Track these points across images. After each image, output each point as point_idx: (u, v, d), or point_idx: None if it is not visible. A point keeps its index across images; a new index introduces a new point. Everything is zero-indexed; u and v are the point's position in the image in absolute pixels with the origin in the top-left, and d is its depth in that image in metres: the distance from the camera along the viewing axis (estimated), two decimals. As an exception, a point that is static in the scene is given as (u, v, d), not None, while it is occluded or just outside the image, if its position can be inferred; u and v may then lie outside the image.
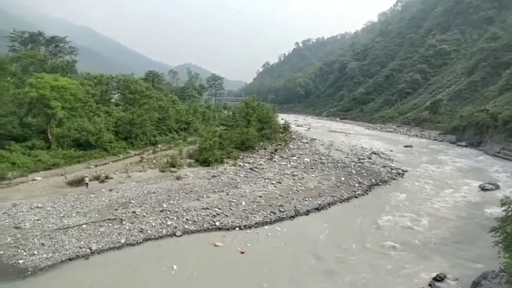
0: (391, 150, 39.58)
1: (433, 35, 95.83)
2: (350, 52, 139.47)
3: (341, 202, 20.66)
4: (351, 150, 38.52)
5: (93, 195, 19.56)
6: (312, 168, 28.52)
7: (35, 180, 22.88)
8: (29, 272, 11.88)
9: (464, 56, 79.79)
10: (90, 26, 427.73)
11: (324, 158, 33.37)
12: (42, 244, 13.63)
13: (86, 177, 22.07)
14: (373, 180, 25.43)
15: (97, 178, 22.75)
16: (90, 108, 36.01)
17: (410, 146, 44.14)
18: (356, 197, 21.74)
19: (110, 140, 32.62)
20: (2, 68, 31.02)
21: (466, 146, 44.06)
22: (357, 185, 24.05)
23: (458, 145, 45.25)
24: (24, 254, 12.90)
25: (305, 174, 26.33)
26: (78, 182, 21.60)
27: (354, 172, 27.50)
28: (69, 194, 19.67)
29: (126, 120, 35.87)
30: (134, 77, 51.56)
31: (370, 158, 33.99)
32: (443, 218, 18.36)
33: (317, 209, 19.14)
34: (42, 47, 57.14)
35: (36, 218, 16.00)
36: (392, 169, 29.49)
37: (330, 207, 19.76)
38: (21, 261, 12.42)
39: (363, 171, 28.12)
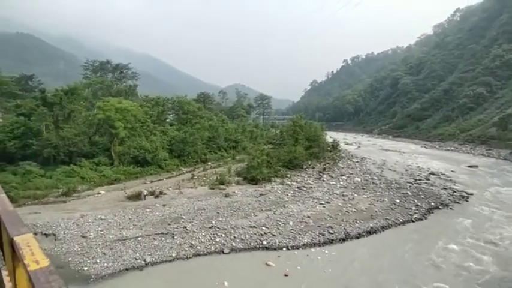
0: (452, 171, 36.17)
1: (499, 44, 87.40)
2: (403, 67, 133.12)
3: (396, 226, 19.23)
4: (406, 170, 36.06)
5: (148, 210, 20.80)
6: (363, 189, 27.20)
7: (100, 193, 25.11)
8: (92, 279, 12.87)
9: (539, 66, 71.40)
10: (150, 53, 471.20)
11: (376, 178, 31.69)
12: (104, 253, 14.74)
13: (143, 192, 23.65)
14: (432, 204, 23.35)
15: (152, 193, 24.22)
16: (148, 128, 38.96)
17: (476, 166, 39.89)
18: (413, 221, 20.08)
19: (165, 157, 34.74)
20: (77, 94, 35.29)
21: (545, 167, 38.60)
22: (413, 208, 22.27)
23: (535, 166, 39.85)
24: (88, 261, 14.05)
25: (355, 195, 25.17)
26: (136, 197, 23.21)
27: (410, 194, 25.58)
28: (127, 208, 21.17)
29: (179, 139, 38.05)
30: (187, 98, 54.86)
31: (428, 179, 31.41)
32: (519, 252, 16.04)
33: (369, 233, 18.04)
34: (109, 74, 64.13)
35: (99, 228, 17.44)
36: (454, 191, 26.84)
37: (383, 231, 18.49)
38: (85, 268, 13.53)
39: (420, 193, 26.04)
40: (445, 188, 27.78)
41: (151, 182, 29.31)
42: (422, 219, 20.50)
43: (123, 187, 26.55)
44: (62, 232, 16.96)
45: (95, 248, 15.17)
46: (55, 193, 24.47)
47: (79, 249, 15.12)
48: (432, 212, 21.87)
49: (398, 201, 23.59)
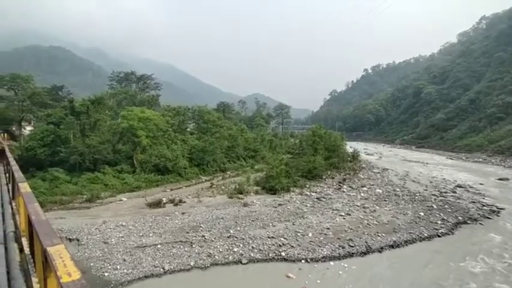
0: (481, 184, 34.46)
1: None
2: (426, 76, 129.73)
3: (420, 241, 18.43)
4: (431, 182, 34.73)
5: (168, 217, 21.07)
6: (385, 201, 26.39)
7: (121, 200, 25.75)
8: (112, 285, 13.07)
9: None
10: (172, 64, 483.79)
11: (398, 189, 30.70)
12: (124, 260, 14.99)
13: (163, 200, 24.04)
14: (459, 218, 22.25)
15: (172, 201, 24.56)
16: (169, 136, 39.81)
17: (507, 179, 37.83)
18: (439, 236, 19.17)
19: (185, 166, 35.28)
20: (103, 103, 36.73)
21: None
22: (439, 222, 21.30)
23: None
24: (109, 267, 14.32)
25: (377, 207, 24.43)
26: (156, 204, 23.62)
27: (435, 207, 24.53)
28: (148, 215, 21.54)
29: (199, 148, 38.60)
30: (207, 107, 55.79)
31: (454, 192, 30.07)
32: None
33: (392, 247, 17.38)
34: (133, 84, 66.39)
35: (120, 235, 17.81)
36: (483, 205, 25.49)
37: (407, 245, 17.76)
38: (106, 274, 13.79)
39: (446, 206, 24.92)
40: (473, 202, 26.46)
41: (171, 190, 29.77)
42: (448, 234, 19.55)
43: (144, 194, 27.11)
44: (85, 237, 17.45)
45: (115, 254, 15.47)
46: (80, 199, 25.33)
47: (101, 254, 15.47)
48: (460, 227, 20.82)
49: (422, 214, 22.68)
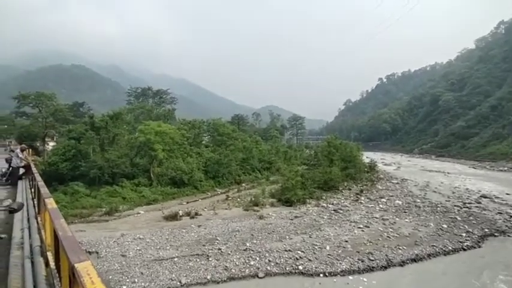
0: (507, 194, 32.93)
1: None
2: (443, 83, 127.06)
3: (445, 254, 17.65)
4: (453, 193, 33.49)
5: (184, 230, 21.13)
6: (405, 212, 25.59)
7: (139, 213, 26.08)
8: (130, 299, 13.14)
9: None
10: (187, 78, 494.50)
11: (418, 200, 29.75)
12: (142, 273, 15.05)
13: (179, 212, 24.20)
14: (485, 230, 21.24)
15: (188, 214, 24.68)
16: (185, 149, 40.35)
17: (536, 189, 36.07)
18: (464, 249, 18.31)
19: (200, 178, 35.55)
20: (121, 118, 37.80)
21: None
22: (464, 234, 20.40)
23: None
24: (127, 280, 14.40)
25: (397, 219, 23.70)
26: (173, 217, 23.78)
27: (459, 218, 23.56)
28: (164, 228, 21.69)
29: (214, 160, 38.88)
30: (222, 120, 56.41)
31: (479, 203, 28.84)
32: None
33: (414, 260, 16.72)
34: (150, 99, 68.20)
35: (138, 248, 17.97)
36: (511, 216, 24.31)
37: (430, 259, 17.04)
38: (124, 287, 13.87)
39: (470, 217, 23.89)
40: (500, 213, 25.26)
41: (187, 202, 29.95)
42: (475, 247, 18.65)
43: (161, 207, 27.38)
44: (104, 250, 17.70)
45: (133, 267, 15.58)
46: (99, 212, 25.84)
47: (119, 267, 15.61)
48: (486, 239, 19.86)
49: (445, 226, 21.81)
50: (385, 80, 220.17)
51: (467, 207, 27.10)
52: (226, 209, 27.13)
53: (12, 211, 3.65)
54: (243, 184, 38.82)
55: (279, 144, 69.21)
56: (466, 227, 21.67)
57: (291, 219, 23.70)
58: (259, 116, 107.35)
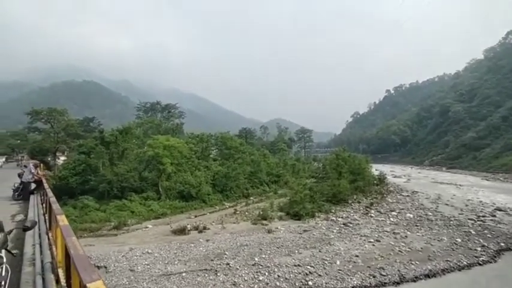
0: (523, 206, 32.01)
1: None
2: (452, 94, 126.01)
3: (459, 269, 17.11)
4: (466, 206, 32.69)
5: (192, 245, 20.99)
6: (416, 226, 25.01)
7: (147, 227, 26.06)
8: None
9: None
10: (195, 92, 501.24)
11: (430, 213, 29.10)
12: (150, 289, 14.94)
13: (188, 226, 24.11)
14: (502, 244, 20.59)
15: (196, 228, 24.56)
16: (193, 163, 40.50)
17: (553, 201, 34.96)
18: (480, 264, 17.73)
19: (208, 192, 35.50)
20: (130, 133, 38.33)
21: None
22: (479, 248, 19.79)
23: None
24: (135, 296, 14.30)
25: (408, 233, 23.17)
26: (181, 231, 23.68)
27: (474, 232, 22.90)
28: (173, 242, 21.59)
29: (222, 174, 38.88)
30: (230, 134, 56.61)
31: (494, 216, 28.06)
32: None
33: (427, 276, 16.22)
34: (158, 113, 69.10)
35: (146, 262, 17.88)
36: (528, 230, 23.53)
37: (444, 274, 16.52)
38: (132, 303, 13.76)
39: (485, 231, 23.21)
40: (515, 226, 24.50)
41: (195, 216, 29.85)
42: (491, 262, 18.05)
43: (169, 221, 27.33)
44: (113, 265, 17.65)
45: (141, 282, 15.47)
46: (108, 226, 25.91)
47: (127, 282, 15.52)
48: (503, 254, 19.22)
49: (459, 240, 21.21)
50: (392, 91, 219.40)
51: (481, 220, 26.38)
52: (234, 223, 26.93)
53: (25, 229, 3.72)
54: (251, 198, 38.59)
55: (287, 157, 68.97)
56: (481, 241, 21.04)
57: (300, 233, 23.37)
58: (267, 129, 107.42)
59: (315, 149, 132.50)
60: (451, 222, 25.91)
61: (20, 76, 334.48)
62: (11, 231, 3.70)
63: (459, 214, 28.82)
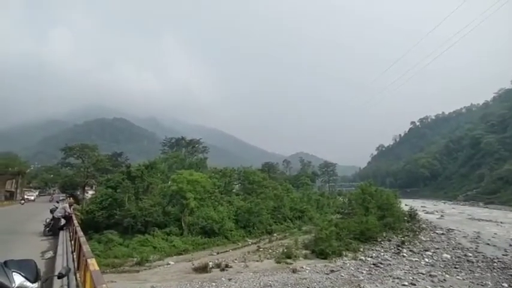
0: None
1: None
2: (482, 125, 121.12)
3: (510, 320, 15.27)
4: (510, 246, 29.89)
5: (214, 284, 20.24)
6: (455, 268, 22.98)
7: (169, 264, 25.60)
8: None
9: None
10: (218, 128, 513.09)
11: (470, 254, 26.76)
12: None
13: (209, 264, 23.47)
14: (556, 291, 18.36)
15: (218, 266, 23.82)
16: (216, 198, 40.35)
17: None
18: (533, 314, 15.77)
19: (231, 228, 34.84)
20: (156, 168, 39.24)
21: None
22: (530, 295, 17.72)
23: None
24: None
25: (447, 275, 21.26)
26: (202, 269, 23.02)
27: (522, 276, 20.67)
28: (194, 280, 20.93)
29: (245, 209, 38.31)
30: (252, 168, 56.53)
31: (543, 257, 25.37)
32: None
33: (473, 327, 14.55)
34: (183, 148, 70.89)
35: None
36: None
37: (493, 325, 14.77)
38: None
39: (536, 275, 20.90)
40: None
41: (218, 253, 29.12)
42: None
43: (191, 258, 26.79)
44: (133, 304, 17.25)
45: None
46: (130, 262, 25.71)
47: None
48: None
49: (506, 285, 19.15)
50: (418, 123, 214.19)
51: (529, 262, 23.87)
52: (257, 260, 25.94)
53: (60, 276, 3.72)
54: (275, 234, 37.37)
55: (311, 191, 67.33)
56: (533, 287, 18.88)
57: (327, 274, 22.04)
58: (290, 163, 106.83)
59: (340, 183, 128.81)
60: (495, 264, 23.62)
61: (59, 115, 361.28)
62: (46, 279, 3.69)
63: (503, 255, 26.31)
